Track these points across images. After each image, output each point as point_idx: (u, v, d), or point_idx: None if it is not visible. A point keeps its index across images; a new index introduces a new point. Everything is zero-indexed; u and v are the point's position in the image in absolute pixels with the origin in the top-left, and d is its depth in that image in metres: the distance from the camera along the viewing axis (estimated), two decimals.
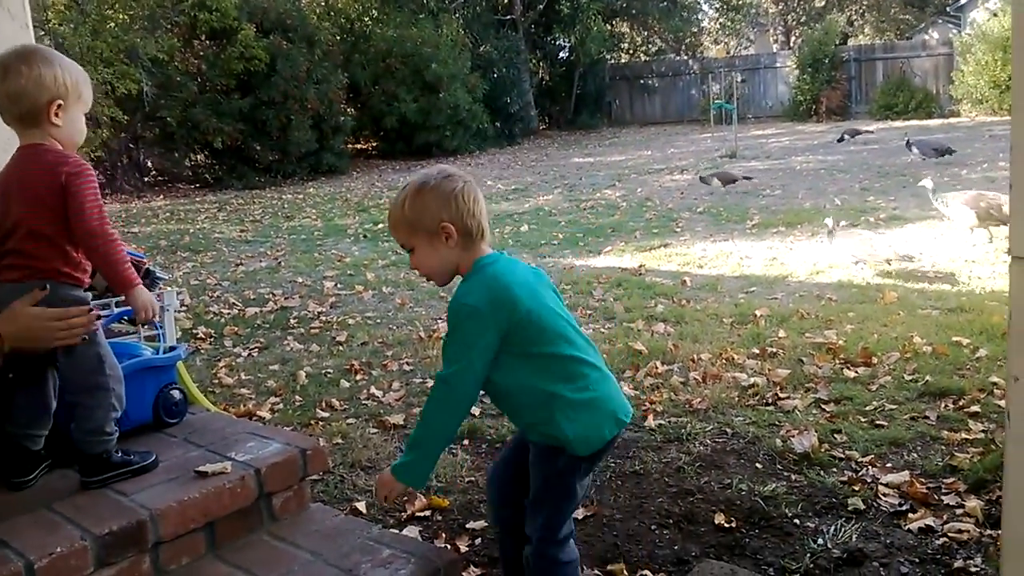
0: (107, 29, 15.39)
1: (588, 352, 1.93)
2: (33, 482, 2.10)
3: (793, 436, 3.27)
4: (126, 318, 2.70)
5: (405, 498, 2.85)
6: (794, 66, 23.31)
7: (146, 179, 18.01)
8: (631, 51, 31.00)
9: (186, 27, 16.91)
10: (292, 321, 5.77)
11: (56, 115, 2.02)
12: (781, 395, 3.75)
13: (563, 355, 1.89)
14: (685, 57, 28.27)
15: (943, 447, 3.12)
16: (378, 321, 5.65)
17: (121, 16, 16.37)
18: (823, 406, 3.62)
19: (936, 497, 2.74)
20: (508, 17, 24.63)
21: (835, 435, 3.30)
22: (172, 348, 2.55)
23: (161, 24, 16.16)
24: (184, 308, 6.07)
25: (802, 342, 4.50)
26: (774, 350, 4.36)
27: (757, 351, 4.37)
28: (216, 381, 4.51)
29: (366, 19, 21.89)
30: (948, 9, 25.24)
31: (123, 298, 2.63)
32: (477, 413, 3.77)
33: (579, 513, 2.74)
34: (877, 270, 6.01)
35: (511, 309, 1.83)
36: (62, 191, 1.98)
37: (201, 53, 17.22)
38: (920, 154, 11.76)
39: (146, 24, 15.99)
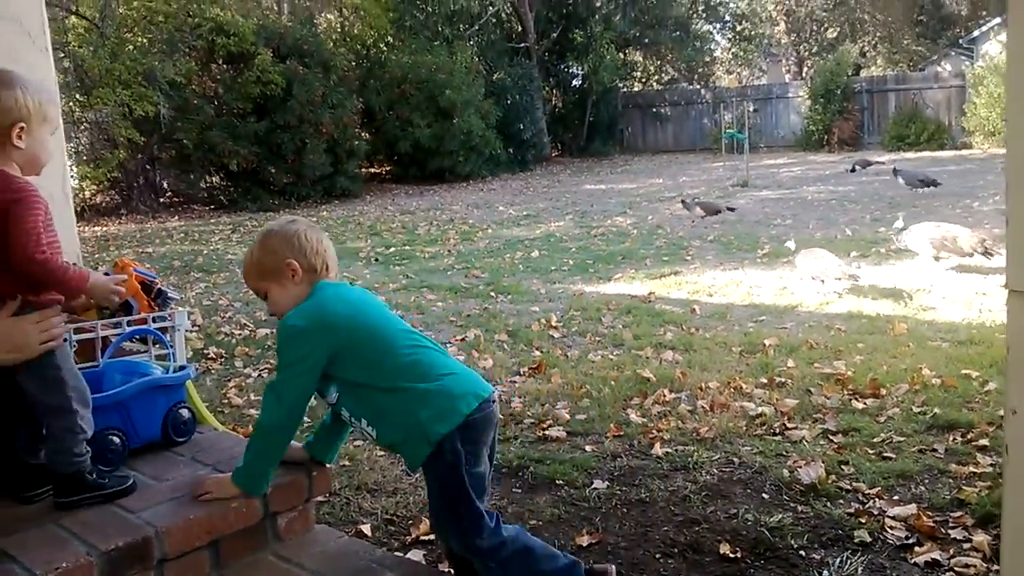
0: (126, 52, 15.60)
1: (431, 350, 2.11)
2: (41, 496, 2.12)
3: (800, 467, 3.26)
4: (137, 337, 2.72)
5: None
6: (806, 96, 23.38)
7: (161, 200, 18.16)
8: (644, 79, 31.18)
9: (204, 51, 17.12)
10: None
11: (19, 137, 2.04)
12: (789, 425, 3.74)
13: (405, 356, 2.06)
14: (698, 86, 28.41)
15: (951, 480, 3.10)
16: None
17: (140, 39, 16.59)
18: (831, 437, 3.61)
19: (943, 531, 2.72)
20: (522, 45, 24.83)
21: (842, 466, 3.28)
22: (182, 367, 2.57)
23: (179, 48, 16.36)
24: (196, 328, 6.10)
25: (811, 372, 4.49)
26: (782, 380, 4.36)
27: (765, 380, 4.36)
28: (226, 401, 4.53)
29: (382, 45, 22.11)
30: (961, 41, 25.32)
31: (136, 316, 2.67)
32: None
33: (584, 540, 2.74)
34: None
35: (334, 327, 2.03)
36: (3, 217, 1.99)
37: (218, 77, 17.42)
38: (906, 184, 11.99)
39: (164, 47, 16.20)
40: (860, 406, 3.94)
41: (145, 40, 16.56)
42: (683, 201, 11.30)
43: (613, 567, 2.17)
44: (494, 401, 2.10)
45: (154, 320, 2.70)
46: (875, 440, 3.53)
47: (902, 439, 3.51)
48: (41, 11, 3.09)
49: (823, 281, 6.41)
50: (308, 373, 2.03)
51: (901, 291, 6.34)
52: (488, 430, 2.08)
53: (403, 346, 2.07)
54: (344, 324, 2.05)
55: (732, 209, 11.05)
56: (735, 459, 3.42)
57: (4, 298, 2.03)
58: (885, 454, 3.37)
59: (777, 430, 3.70)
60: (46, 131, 2.11)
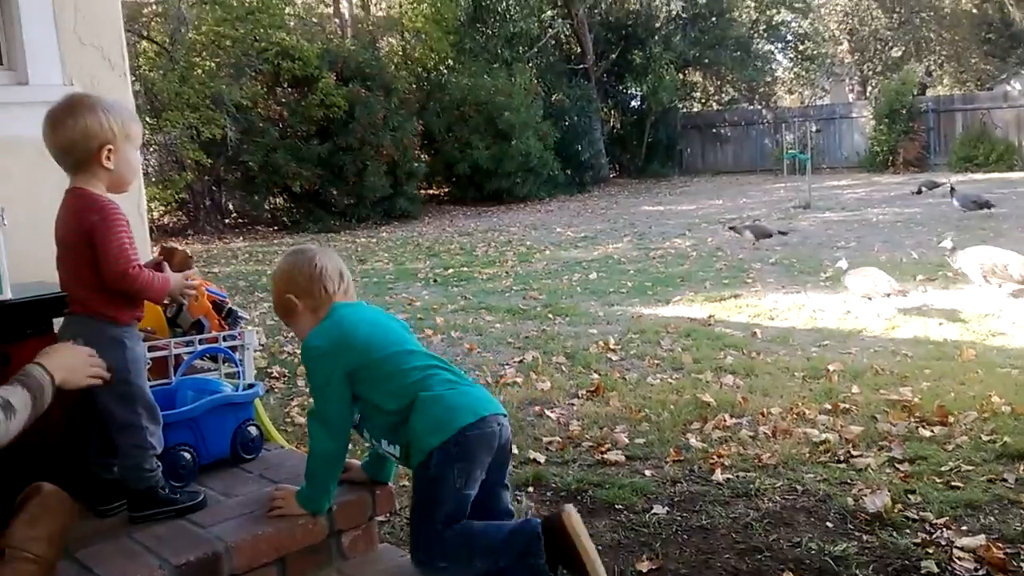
0: (195, 76, 16.05)
1: (442, 367, 2.17)
2: (115, 511, 2.19)
3: (865, 495, 3.20)
4: (208, 355, 2.80)
5: None
6: (870, 116, 23.00)
7: (227, 221, 18.58)
8: (703, 100, 31.00)
9: (270, 75, 17.54)
10: None
11: (108, 159, 2.13)
12: (854, 452, 3.68)
13: (416, 375, 2.12)
14: (758, 106, 28.16)
15: (1022, 511, 3.02)
16: None
17: (208, 64, 17.06)
18: (897, 465, 3.54)
19: (1014, 564, 2.64)
20: (581, 66, 24.91)
21: (909, 495, 3.21)
22: (251, 385, 2.63)
23: (246, 72, 16.78)
24: (260, 347, 6.23)
25: (876, 399, 4.41)
26: (847, 406, 4.28)
27: (829, 407, 4.29)
28: (289, 419, 4.62)
29: (442, 68, 22.39)
30: None
31: (207, 335, 2.75)
32: (542, 460, 3.78)
33: (644, 566, 2.73)
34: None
35: (350, 345, 2.12)
36: (90, 236, 2.09)
37: (283, 100, 17.82)
38: (960, 206, 11.83)
39: (232, 72, 16.62)
40: (927, 434, 3.85)
41: (213, 64, 17.03)
42: (732, 227, 11.14)
43: (571, 506, 2.12)
44: (499, 423, 2.11)
45: (224, 339, 2.77)
46: (943, 469, 3.45)
47: (971, 468, 3.43)
48: (120, 38, 3.22)
49: (870, 299, 6.51)
50: (337, 393, 2.11)
51: (969, 316, 6.19)
52: (484, 450, 2.08)
53: (415, 367, 2.14)
54: (359, 342, 2.14)
55: (784, 233, 10.89)
56: (798, 486, 3.37)
57: (93, 315, 2.12)
58: (953, 483, 3.30)
59: (842, 457, 3.64)
60: (131, 149, 2.20)
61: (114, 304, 2.15)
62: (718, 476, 3.47)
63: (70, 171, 2.16)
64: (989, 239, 9.74)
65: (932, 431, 3.88)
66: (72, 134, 2.09)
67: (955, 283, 7.43)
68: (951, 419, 3.99)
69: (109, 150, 2.13)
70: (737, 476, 3.48)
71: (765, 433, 3.96)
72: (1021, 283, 6.63)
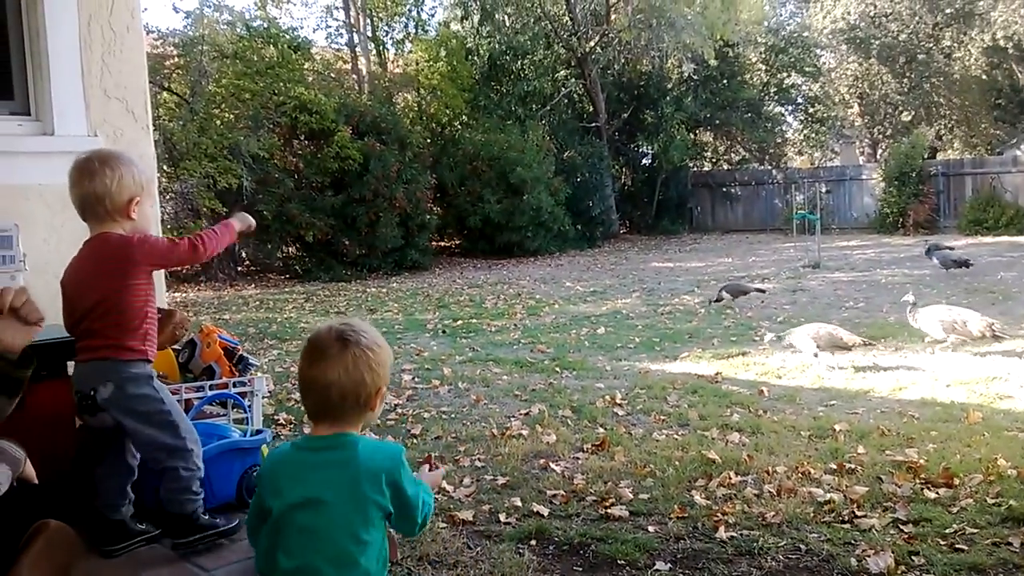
0: (213, 127, 16.36)
1: None
2: (120, 552, 2.22)
3: (869, 556, 3.19)
4: (217, 401, 2.84)
5: None
6: (880, 178, 23.15)
7: (239, 268, 18.75)
8: (714, 159, 31.27)
9: (287, 127, 17.85)
10: None
11: (133, 211, 2.23)
12: (858, 513, 3.66)
13: None
14: (769, 167, 28.37)
15: None
16: (452, 416, 5.73)
17: (227, 115, 17.39)
18: (901, 526, 3.53)
19: None
20: (593, 124, 25.24)
21: (912, 557, 3.20)
22: (259, 432, 2.67)
23: (264, 124, 17.08)
24: (268, 394, 6.26)
25: (882, 459, 4.40)
26: (852, 466, 4.27)
27: (835, 466, 4.28)
28: None
29: (456, 124, 22.73)
30: None
31: (217, 381, 2.80)
32: (546, 513, 3.78)
33: None
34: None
35: None
36: (137, 262, 2.21)
37: (299, 152, 18.12)
38: (940, 264, 11.91)
39: (250, 123, 16.92)
40: (932, 495, 3.84)
41: (232, 116, 17.35)
42: (712, 299, 10.86)
43: None
44: None
45: (234, 385, 2.82)
46: (947, 531, 3.43)
47: (975, 531, 3.41)
48: (145, 92, 3.33)
49: (816, 355, 6.75)
50: None
51: (976, 379, 6.19)
52: None
53: None
54: None
55: (761, 291, 10.97)
56: (802, 546, 3.36)
57: (109, 350, 2.18)
58: (957, 546, 3.28)
59: (846, 517, 3.63)
60: (149, 205, 2.31)
61: (147, 340, 2.23)
62: (722, 534, 3.46)
63: (97, 220, 2.25)
64: (998, 302, 9.77)
65: (937, 493, 3.87)
66: (109, 184, 2.20)
67: (962, 346, 7.42)
68: (956, 481, 3.98)
69: (136, 203, 2.23)
70: (741, 534, 3.48)
71: (770, 491, 3.95)
72: (979, 339, 7.00)
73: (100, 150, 2.36)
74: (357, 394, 1.84)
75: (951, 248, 15.12)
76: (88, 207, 2.25)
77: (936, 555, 3.20)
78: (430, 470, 2.19)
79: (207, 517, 2.25)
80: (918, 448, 4.57)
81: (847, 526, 3.55)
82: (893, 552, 3.20)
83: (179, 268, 16.67)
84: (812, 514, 3.68)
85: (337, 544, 1.78)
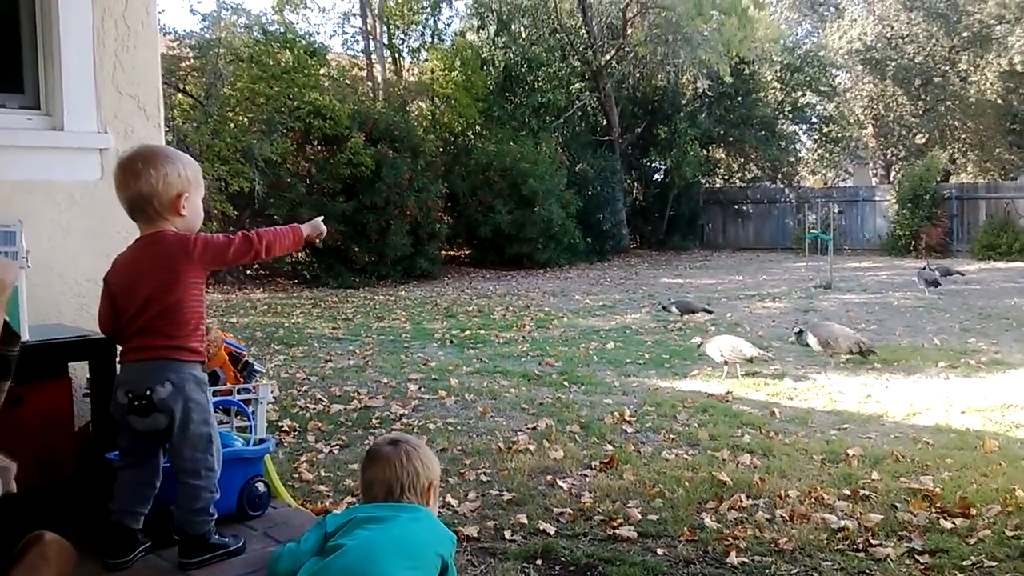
0: (227, 130, 16.35)
1: None
2: (129, 564, 2.14)
3: None
4: (220, 408, 2.77)
5: None
6: (893, 200, 23.03)
7: (248, 272, 18.71)
8: (727, 176, 31.18)
9: (300, 132, 17.83)
10: (374, 421, 5.82)
11: (183, 207, 2.17)
12: (873, 541, 3.57)
13: None
14: (781, 185, 28.26)
15: None
16: (459, 428, 5.65)
17: (241, 119, 17.39)
18: (917, 557, 3.43)
19: None
20: (606, 138, 25.19)
21: None
22: (262, 441, 2.60)
23: (278, 128, 17.07)
24: (272, 400, 6.19)
25: (896, 486, 4.30)
26: (866, 493, 4.18)
27: (848, 492, 4.19)
28: (296, 475, 4.56)
29: (469, 134, 22.71)
30: None
31: (221, 387, 2.73)
32: (552, 532, 3.70)
33: None
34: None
35: None
36: (196, 262, 2.15)
37: (312, 157, 18.10)
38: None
39: (264, 127, 16.91)
40: (948, 525, 3.75)
41: (246, 119, 17.35)
42: (663, 306, 11.36)
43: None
44: None
45: (239, 392, 2.75)
46: (964, 563, 3.34)
47: (993, 564, 3.32)
48: (157, 89, 3.27)
49: (727, 363, 7.33)
50: None
51: (991, 406, 6.09)
52: None
53: None
54: None
55: (709, 311, 11.12)
56: (815, 574, 3.28)
57: (166, 351, 2.11)
58: None
59: (860, 546, 3.54)
60: (199, 197, 2.25)
61: (202, 343, 2.18)
62: (733, 559, 3.38)
63: (147, 220, 2.19)
64: (1012, 328, 9.66)
65: (954, 523, 3.77)
66: (156, 184, 2.14)
67: (977, 371, 7.33)
68: (973, 512, 3.89)
69: (185, 198, 2.17)
70: (753, 560, 3.39)
71: (782, 516, 3.86)
72: (849, 355, 7.74)
73: (143, 147, 2.29)
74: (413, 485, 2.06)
75: (954, 271, 15.01)
76: (136, 208, 2.19)
77: None
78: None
79: (217, 536, 2.17)
80: (933, 476, 4.47)
81: (862, 555, 3.46)
82: None
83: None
84: (826, 541, 3.59)
85: None
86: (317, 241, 2.44)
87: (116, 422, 2.20)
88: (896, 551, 3.47)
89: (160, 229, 2.18)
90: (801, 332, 8.12)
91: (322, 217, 2.57)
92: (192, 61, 17.66)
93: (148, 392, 2.08)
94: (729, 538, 3.60)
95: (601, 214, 23.15)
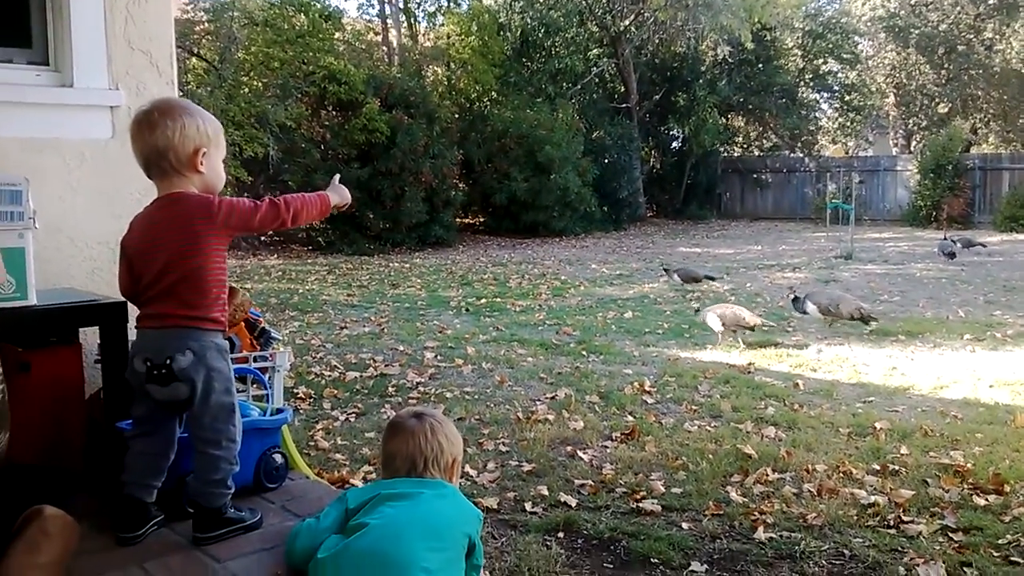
0: (241, 94, 16.20)
1: None
2: (141, 538, 2.05)
3: (918, 565, 3.00)
4: (236, 376, 2.68)
5: None
6: (915, 170, 22.71)
7: (262, 238, 18.65)
8: (745, 145, 30.83)
9: (315, 97, 17.67)
10: (391, 389, 5.75)
11: (201, 163, 2.06)
12: (904, 518, 3.47)
13: None
14: (801, 154, 27.91)
15: None
16: (476, 397, 5.57)
17: (256, 83, 17.23)
18: (951, 534, 3.33)
19: None
20: (624, 105, 24.89)
21: (964, 568, 3.02)
22: (279, 410, 2.51)
23: (292, 93, 16.91)
24: (288, 368, 6.12)
25: (926, 461, 4.19)
26: (896, 467, 4.07)
27: (877, 467, 4.08)
28: (312, 443, 4.49)
29: (485, 100, 22.48)
30: None
31: (237, 355, 2.63)
32: (573, 504, 3.62)
33: None
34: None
35: None
36: (220, 227, 2.05)
37: (327, 123, 17.94)
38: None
39: (278, 92, 16.76)
40: (982, 502, 3.63)
41: (260, 84, 17.19)
42: (665, 268, 11.30)
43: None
44: None
45: (255, 360, 2.66)
46: (1000, 542, 3.24)
47: None
48: (170, 45, 3.15)
49: (734, 331, 7.30)
50: None
51: (1020, 380, 5.95)
52: None
53: None
54: None
55: (712, 278, 10.94)
56: (846, 551, 3.18)
57: (188, 320, 2.02)
58: (1012, 558, 3.09)
59: (892, 522, 3.44)
60: (219, 156, 2.14)
61: (224, 311, 2.07)
62: (760, 534, 3.28)
63: (163, 175, 2.07)
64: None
65: (987, 500, 3.66)
66: (172, 136, 2.02)
67: (1004, 344, 7.18)
68: (1007, 488, 3.77)
69: (203, 154, 2.06)
70: (780, 536, 3.29)
71: (810, 491, 3.76)
72: (850, 320, 7.71)
73: (161, 99, 2.16)
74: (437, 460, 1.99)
75: (973, 243, 14.80)
76: (151, 162, 2.06)
77: (990, 568, 3.01)
78: None
79: (233, 510, 2.09)
80: (964, 451, 4.36)
81: (893, 531, 3.36)
82: (944, 562, 3.01)
83: None
84: (855, 517, 3.49)
85: None
86: (343, 208, 2.32)
87: (131, 389, 2.10)
88: (928, 528, 3.37)
89: (180, 188, 2.07)
90: (797, 299, 7.99)
91: (339, 176, 2.44)
92: (206, 25, 17.50)
93: (168, 361, 1.99)
94: (756, 513, 3.51)
95: (618, 182, 22.93)
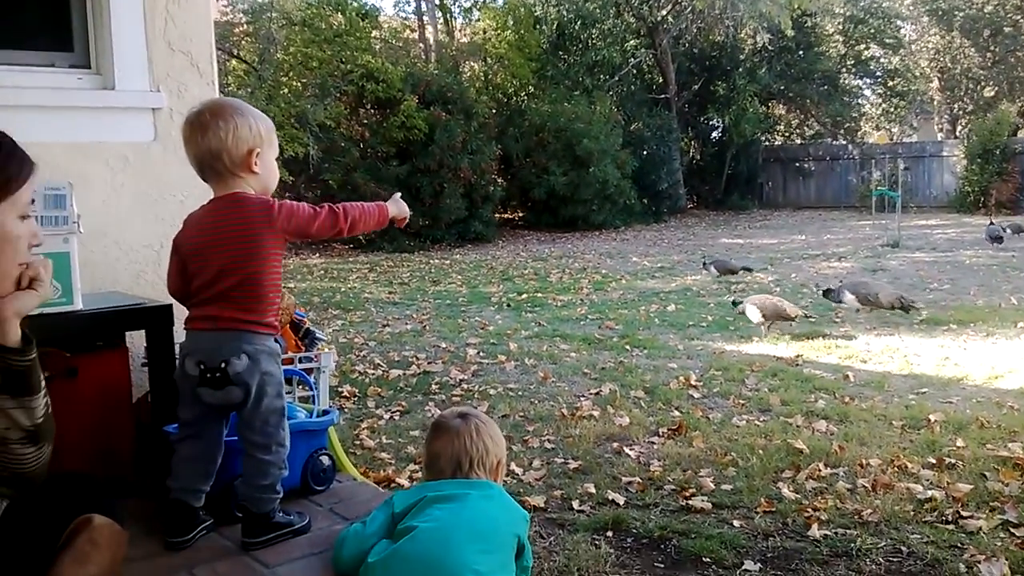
0: (280, 95, 16.34)
1: None
2: (190, 543, 2.05)
3: (980, 562, 2.90)
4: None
5: None
6: (962, 156, 22.23)
7: None
8: (787, 133, 30.42)
9: (354, 96, 17.75)
10: (434, 386, 5.74)
11: (255, 164, 2.04)
12: (963, 513, 3.36)
13: None
14: (844, 142, 27.45)
15: None
16: (520, 394, 5.54)
17: (295, 83, 17.37)
18: (1012, 530, 3.21)
19: None
20: (662, 96, 24.68)
21: None
22: (325, 412, 2.49)
23: (331, 92, 17.02)
24: (333, 367, 6.14)
25: (984, 454, 4.06)
26: (952, 461, 3.96)
27: (933, 461, 3.97)
28: (358, 442, 4.49)
29: (523, 94, 22.42)
30: None
31: (282, 356, 2.62)
32: (622, 502, 3.57)
33: None
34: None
35: None
36: (279, 231, 2.04)
37: (365, 121, 18.02)
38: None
39: (317, 92, 16.88)
40: None
41: (299, 84, 17.32)
42: (703, 263, 11.17)
43: None
44: None
45: (300, 361, 2.65)
46: None
47: None
48: (210, 45, 3.15)
49: (774, 322, 7.24)
50: None
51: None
52: None
53: None
54: None
55: (749, 269, 10.83)
56: (903, 548, 3.08)
57: (239, 323, 2.01)
58: None
59: (950, 518, 3.33)
60: (273, 155, 2.13)
61: (277, 315, 2.07)
62: (815, 532, 3.20)
63: (218, 177, 2.06)
64: None
65: None
66: (224, 138, 2.01)
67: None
68: None
69: (257, 154, 2.05)
70: (836, 533, 3.21)
71: (864, 486, 3.67)
72: (891, 310, 7.58)
73: (212, 100, 2.16)
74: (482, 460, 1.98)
75: (1022, 229, 14.43)
76: (205, 164, 2.05)
77: None
78: None
79: (282, 514, 2.07)
80: (1022, 443, 4.22)
81: (951, 527, 3.26)
82: (1007, 559, 2.91)
83: None
84: (912, 513, 3.39)
85: None
86: (400, 221, 2.30)
87: (179, 392, 2.09)
88: (989, 523, 3.26)
89: (238, 190, 2.05)
90: (830, 291, 7.83)
91: (399, 194, 2.43)
92: (245, 26, 17.66)
93: (223, 364, 1.97)
94: (809, 509, 3.42)
95: (657, 174, 22.74)
